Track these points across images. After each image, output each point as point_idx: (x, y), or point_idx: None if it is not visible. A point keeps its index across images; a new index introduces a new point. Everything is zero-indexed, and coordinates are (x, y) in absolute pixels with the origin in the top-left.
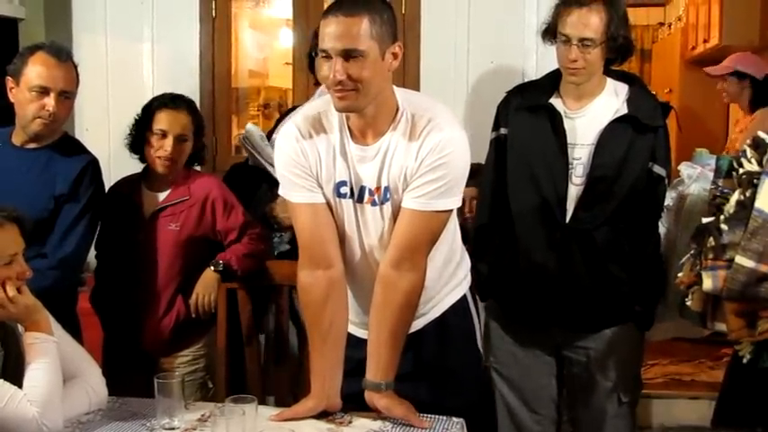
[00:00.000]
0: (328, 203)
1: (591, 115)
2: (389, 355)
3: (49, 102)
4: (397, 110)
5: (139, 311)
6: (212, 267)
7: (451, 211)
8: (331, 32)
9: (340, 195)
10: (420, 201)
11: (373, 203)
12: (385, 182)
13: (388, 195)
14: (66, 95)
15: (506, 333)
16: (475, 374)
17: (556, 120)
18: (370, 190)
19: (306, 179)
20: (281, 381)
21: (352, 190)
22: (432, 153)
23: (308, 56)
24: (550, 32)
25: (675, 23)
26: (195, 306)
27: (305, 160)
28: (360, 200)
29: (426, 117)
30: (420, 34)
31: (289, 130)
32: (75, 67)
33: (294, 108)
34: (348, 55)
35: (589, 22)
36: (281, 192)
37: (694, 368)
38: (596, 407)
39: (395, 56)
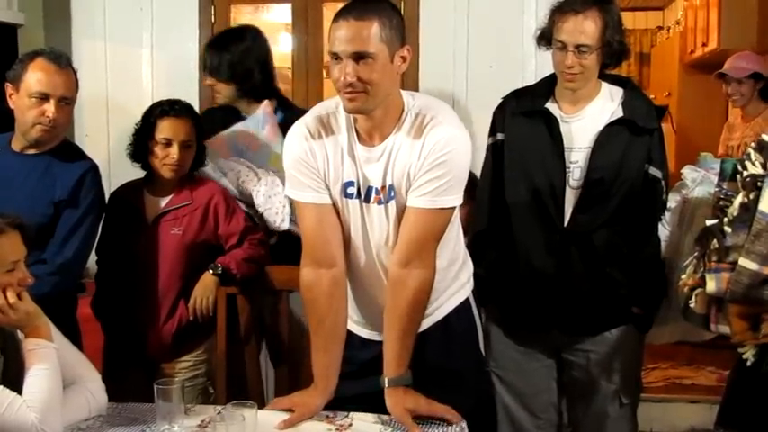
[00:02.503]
0: (334, 205)
1: (587, 119)
2: (396, 351)
3: (49, 108)
4: (403, 111)
5: (142, 316)
6: (211, 271)
7: (454, 208)
8: (342, 36)
9: (347, 196)
10: (425, 199)
11: (379, 202)
12: (389, 180)
13: (393, 194)
14: (66, 101)
15: (506, 337)
16: (477, 377)
17: (552, 124)
18: (376, 189)
19: (314, 179)
20: (281, 383)
21: (359, 190)
22: (434, 150)
23: None
24: (545, 38)
25: (674, 27)
26: (193, 309)
27: (313, 160)
28: (367, 200)
29: (429, 115)
30: (419, 38)
31: (298, 130)
32: (75, 72)
33: None
34: (358, 57)
35: (585, 29)
36: (287, 192)
37: (694, 372)
38: (597, 409)
39: (403, 59)
